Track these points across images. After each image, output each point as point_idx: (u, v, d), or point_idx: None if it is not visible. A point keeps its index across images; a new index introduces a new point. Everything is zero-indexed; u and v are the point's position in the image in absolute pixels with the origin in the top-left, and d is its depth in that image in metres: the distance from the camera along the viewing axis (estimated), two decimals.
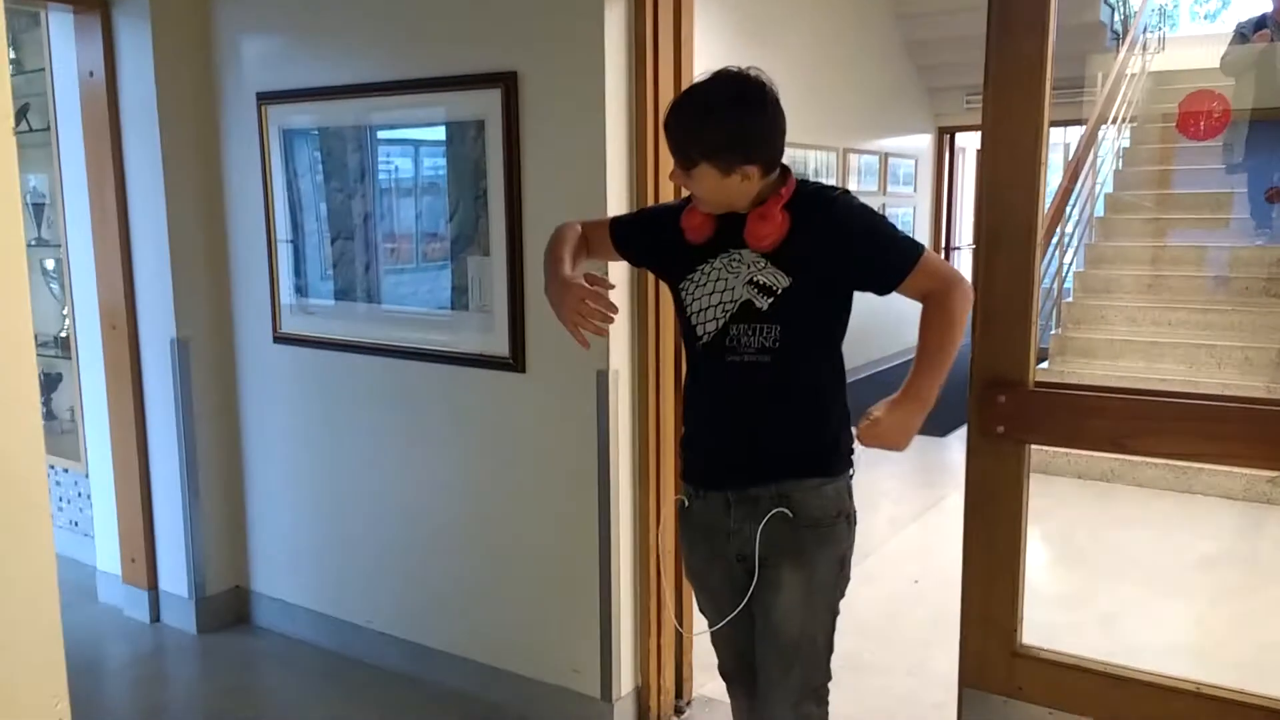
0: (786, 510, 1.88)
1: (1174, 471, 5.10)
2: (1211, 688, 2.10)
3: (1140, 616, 3.71)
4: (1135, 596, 3.89)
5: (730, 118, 1.79)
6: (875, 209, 1.92)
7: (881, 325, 8.75)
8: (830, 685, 2.01)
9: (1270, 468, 4.20)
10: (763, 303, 1.84)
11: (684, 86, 2.68)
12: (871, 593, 3.84)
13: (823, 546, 1.92)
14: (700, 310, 1.89)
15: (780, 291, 1.83)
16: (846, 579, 2.01)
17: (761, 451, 1.90)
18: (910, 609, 3.71)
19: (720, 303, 1.87)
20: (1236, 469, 4.84)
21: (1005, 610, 2.30)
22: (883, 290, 1.86)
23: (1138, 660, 2.24)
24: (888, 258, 1.84)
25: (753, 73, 1.83)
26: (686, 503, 2.01)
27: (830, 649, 1.99)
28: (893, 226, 1.89)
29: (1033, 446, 2.27)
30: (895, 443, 1.83)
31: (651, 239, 2.04)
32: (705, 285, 1.89)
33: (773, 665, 1.94)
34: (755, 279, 1.84)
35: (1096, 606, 3.77)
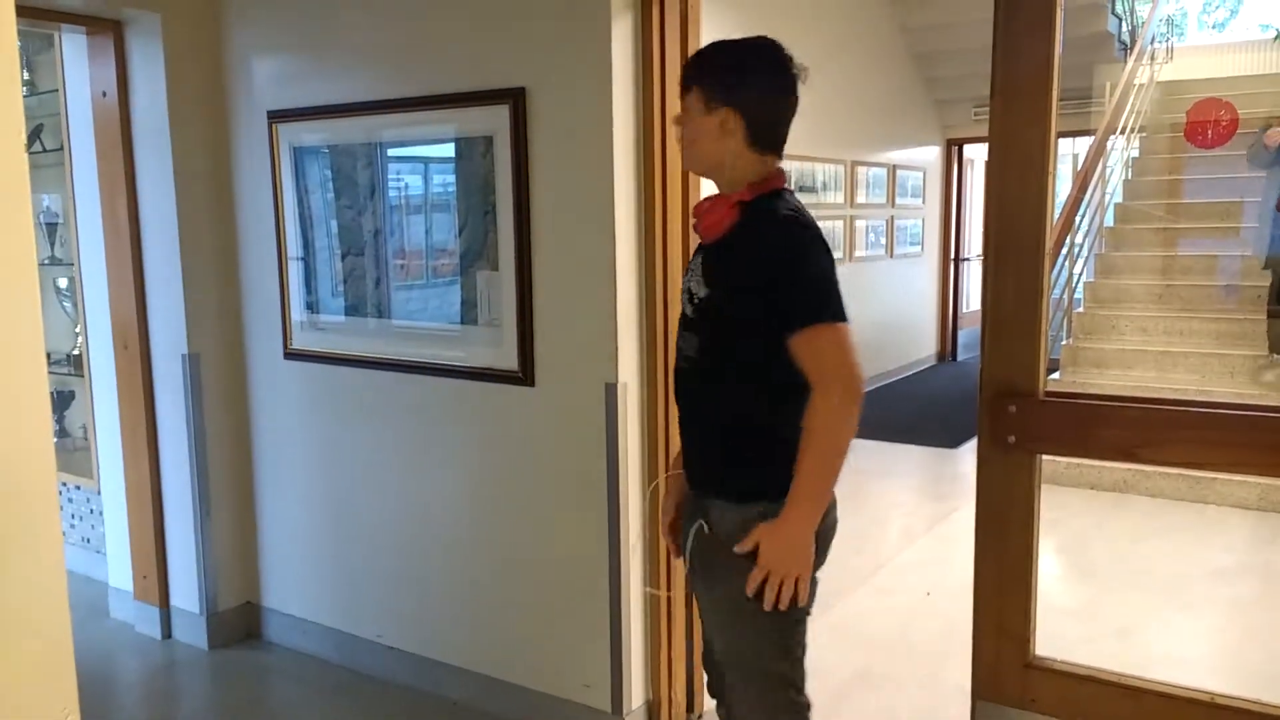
0: (704, 524, 1.87)
1: (1187, 482, 5.08)
2: (1226, 698, 2.08)
3: (1154, 627, 3.68)
4: (1149, 607, 3.87)
5: (732, 48, 1.81)
6: (823, 252, 1.75)
7: (892, 339, 8.76)
8: (803, 704, 1.92)
9: None
10: (689, 310, 1.86)
11: None
12: (884, 605, 3.82)
13: (734, 570, 1.79)
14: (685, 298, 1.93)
15: (698, 300, 1.83)
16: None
17: (695, 457, 1.92)
18: (923, 621, 3.69)
19: (684, 302, 1.91)
20: (1250, 478, 4.81)
21: (1018, 621, 2.29)
22: (780, 334, 1.70)
23: (1152, 671, 2.22)
24: (791, 301, 1.69)
25: (782, 43, 1.83)
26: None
27: (783, 671, 1.87)
28: (823, 278, 1.72)
29: (1044, 457, 2.26)
30: (777, 573, 1.73)
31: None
32: (686, 282, 1.93)
33: (727, 673, 1.95)
34: (689, 284, 1.87)
35: (1110, 618, 3.74)
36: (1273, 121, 5.65)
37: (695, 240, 1.93)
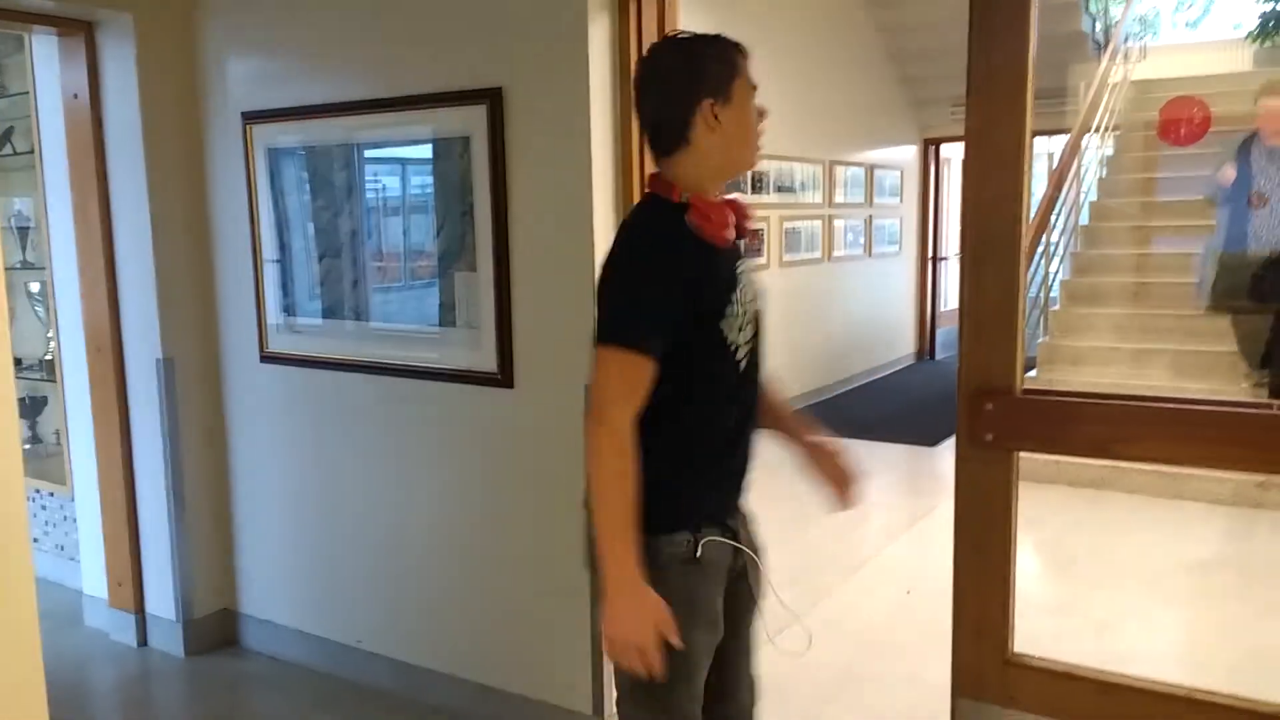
0: None
1: (1163, 478, 5.12)
2: (1204, 693, 2.10)
3: (1132, 623, 3.71)
4: (1127, 603, 3.90)
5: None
6: (641, 264, 1.66)
7: (871, 337, 8.80)
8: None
9: (1257, 471, 4.22)
10: (755, 329, 1.79)
11: None
12: (865, 603, 3.84)
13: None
14: (742, 326, 1.72)
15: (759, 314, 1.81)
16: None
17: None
18: (904, 619, 3.70)
19: (754, 313, 1.75)
20: (1224, 474, 4.86)
21: (997, 619, 2.30)
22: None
23: (1130, 667, 2.24)
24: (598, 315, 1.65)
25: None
26: (700, 551, 1.74)
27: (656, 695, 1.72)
28: (624, 293, 1.63)
29: (1022, 454, 2.27)
30: (610, 647, 1.59)
31: (689, 298, 1.67)
32: (747, 293, 1.74)
33: None
34: (753, 294, 1.79)
35: (1088, 613, 3.77)
36: (1253, 117, 5.66)
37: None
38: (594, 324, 1.65)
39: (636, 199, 2.62)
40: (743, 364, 1.74)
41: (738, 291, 1.72)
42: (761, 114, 1.74)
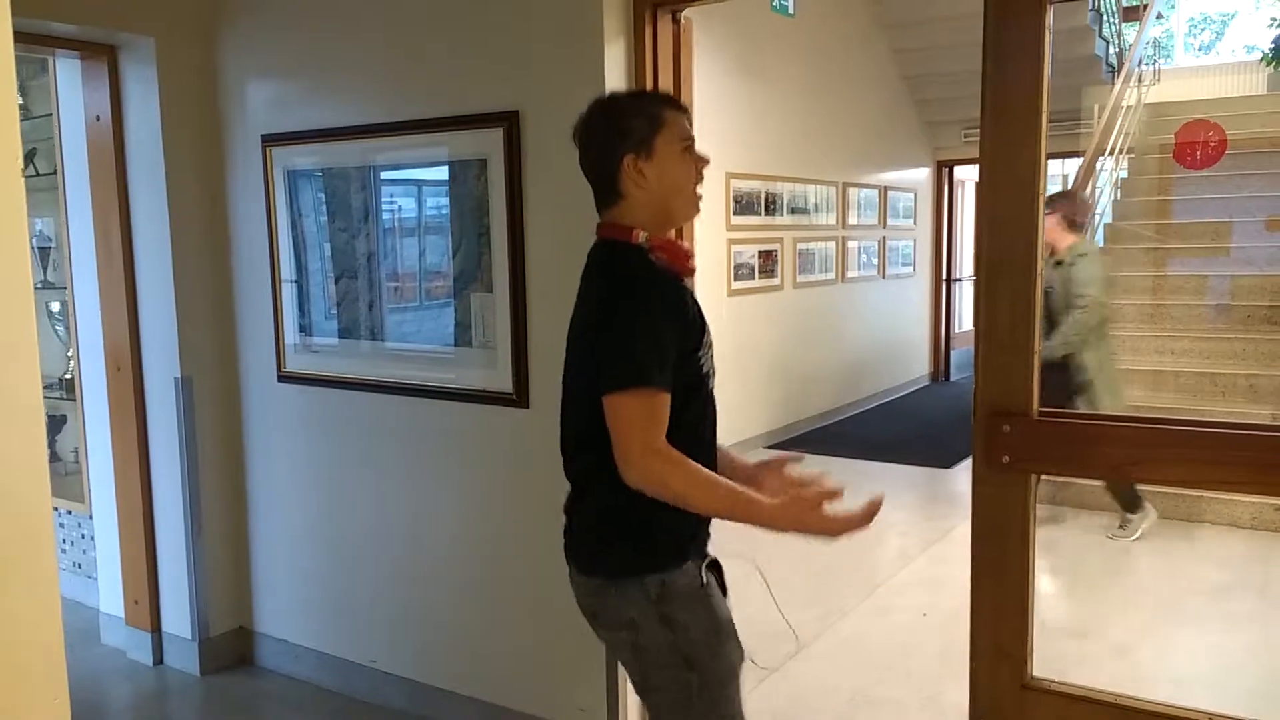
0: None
1: (1181, 500, 5.08)
2: (1224, 718, 2.08)
3: (1152, 647, 3.67)
4: (1146, 627, 3.86)
5: None
6: (637, 305, 1.67)
7: (885, 359, 8.78)
8: None
9: (1278, 495, 4.18)
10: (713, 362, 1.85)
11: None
12: (881, 626, 3.81)
13: None
14: (711, 356, 1.79)
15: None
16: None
17: None
18: (920, 642, 3.68)
19: (709, 351, 1.81)
20: (1243, 497, 4.82)
21: (1015, 642, 2.28)
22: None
23: (1149, 691, 2.22)
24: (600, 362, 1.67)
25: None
26: (705, 577, 1.81)
27: None
28: (630, 337, 1.63)
29: (1040, 477, 2.26)
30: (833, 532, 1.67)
31: (689, 329, 1.73)
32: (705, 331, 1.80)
33: None
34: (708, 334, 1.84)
35: (1107, 637, 3.73)
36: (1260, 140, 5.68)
37: (713, 301, 1.82)
38: (595, 372, 1.65)
39: None
40: (713, 393, 1.82)
41: (707, 327, 1.79)
42: (699, 166, 1.77)
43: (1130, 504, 4.84)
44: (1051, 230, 4.63)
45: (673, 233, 1.89)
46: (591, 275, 1.79)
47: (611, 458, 1.66)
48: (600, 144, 1.74)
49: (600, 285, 1.75)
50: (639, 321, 1.65)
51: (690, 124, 1.80)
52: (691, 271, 1.80)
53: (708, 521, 1.85)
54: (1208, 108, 7.48)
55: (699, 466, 1.65)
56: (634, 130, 1.71)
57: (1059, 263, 4.69)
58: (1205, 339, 5.87)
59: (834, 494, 1.66)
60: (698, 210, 1.81)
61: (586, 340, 1.74)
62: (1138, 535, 4.78)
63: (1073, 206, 4.98)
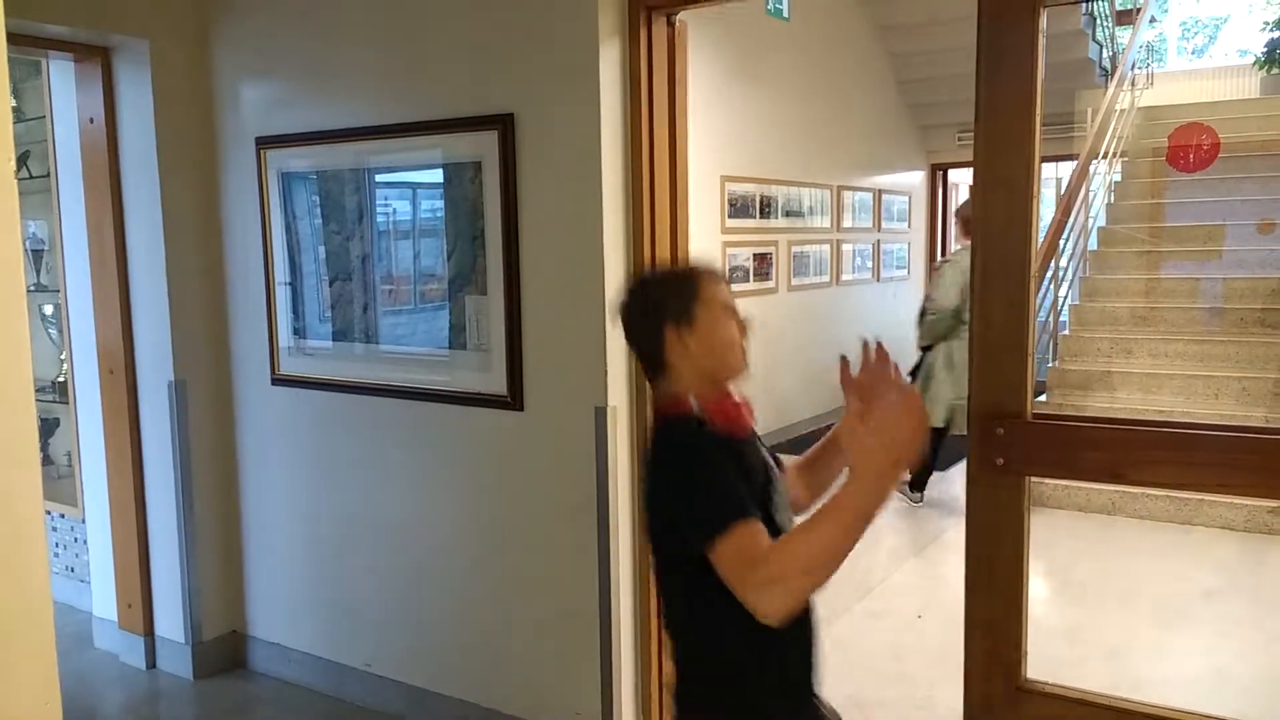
0: None
1: (1175, 503, 5.09)
2: None
3: (1145, 649, 3.68)
4: (1139, 629, 3.87)
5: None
6: (703, 460, 1.64)
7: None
8: None
9: (1270, 498, 4.19)
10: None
11: (678, 127, 2.72)
12: (875, 629, 3.81)
13: None
14: (781, 502, 1.74)
15: None
16: None
17: None
18: (914, 644, 3.68)
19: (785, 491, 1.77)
20: (1237, 500, 4.83)
21: (1009, 645, 2.28)
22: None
23: (1142, 693, 2.22)
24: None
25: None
26: None
27: None
28: (702, 487, 1.60)
29: (1033, 479, 2.27)
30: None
31: (753, 487, 1.68)
32: (778, 477, 1.77)
33: None
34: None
35: (1101, 640, 3.74)
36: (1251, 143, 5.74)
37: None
38: (686, 537, 1.60)
39: (647, 223, 2.64)
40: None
41: (774, 477, 1.74)
42: (743, 326, 1.75)
43: (916, 485, 5.53)
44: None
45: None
46: (654, 458, 1.74)
47: (704, 641, 1.67)
48: (641, 321, 1.75)
49: (664, 468, 1.71)
50: (700, 474, 1.62)
51: (730, 292, 1.76)
52: (749, 430, 1.74)
53: (798, 671, 1.75)
54: (1201, 111, 7.51)
55: (788, 538, 1.58)
56: (672, 302, 1.72)
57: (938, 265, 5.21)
58: (1198, 342, 5.89)
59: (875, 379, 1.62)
60: (747, 364, 1.77)
61: (664, 521, 1.70)
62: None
63: (965, 209, 5.41)
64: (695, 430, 1.69)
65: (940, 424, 5.39)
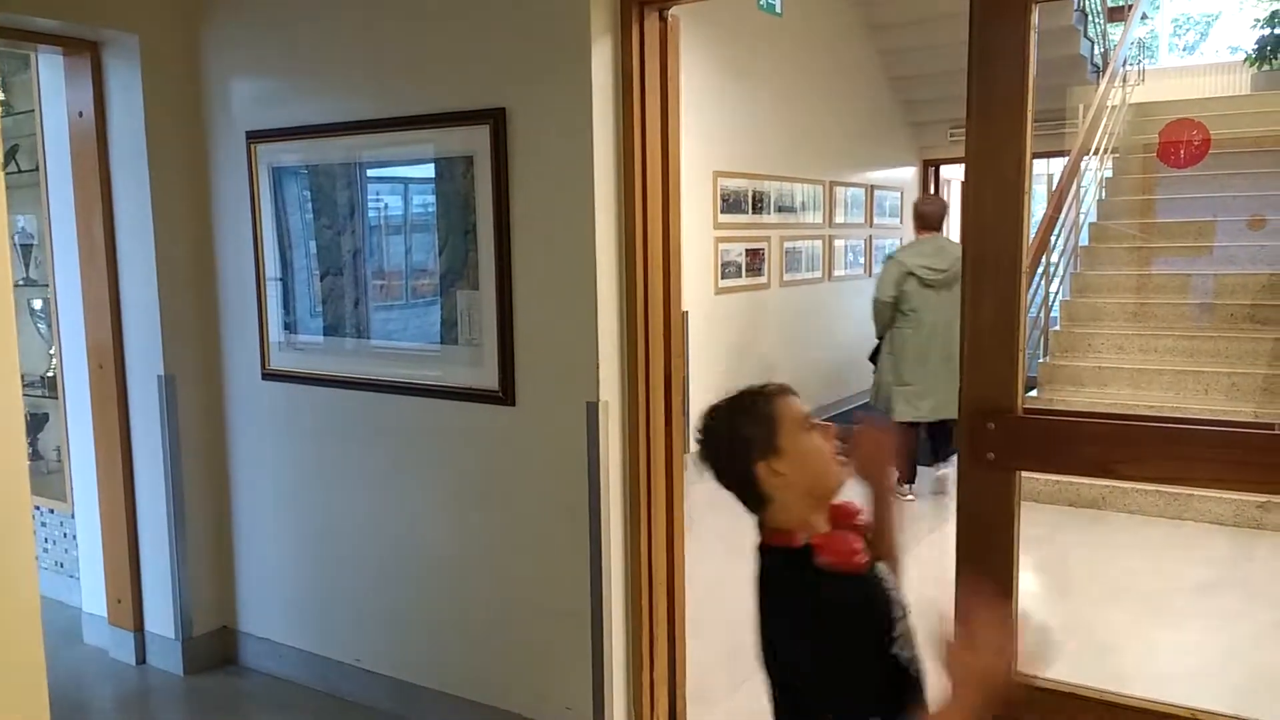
0: None
1: (1164, 498, 5.11)
2: (1207, 714, 2.09)
3: (1135, 643, 3.69)
4: (1129, 623, 3.88)
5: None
6: (829, 633, 1.63)
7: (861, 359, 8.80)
8: None
9: (1259, 492, 4.22)
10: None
11: (671, 122, 2.71)
12: None
13: None
14: (905, 628, 1.72)
15: None
16: None
17: None
18: None
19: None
20: (1226, 495, 4.85)
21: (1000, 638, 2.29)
22: None
23: (1133, 687, 2.23)
24: None
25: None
26: None
27: None
28: (835, 666, 1.62)
29: (1024, 474, 2.28)
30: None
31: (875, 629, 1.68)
32: (899, 597, 1.74)
33: None
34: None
35: (1091, 634, 3.75)
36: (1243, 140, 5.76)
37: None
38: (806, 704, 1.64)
39: (639, 218, 2.63)
40: (920, 678, 1.74)
41: (896, 609, 1.72)
42: (827, 433, 1.71)
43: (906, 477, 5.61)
44: None
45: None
46: (769, 591, 1.71)
47: None
48: (730, 466, 1.69)
49: (786, 617, 1.69)
50: (818, 653, 1.62)
51: (800, 403, 1.72)
52: (861, 564, 1.68)
53: None
54: (1192, 107, 7.52)
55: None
56: (755, 438, 1.67)
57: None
58: (1188, 337, 5.91)
59: None
60: (845, 475, 1.74)
61: (780, 667, 1.69)
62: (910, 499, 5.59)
63: (918, 204, 5.71)
64: (813, 576, 1.64)
65: (878, 406, 5.68)
